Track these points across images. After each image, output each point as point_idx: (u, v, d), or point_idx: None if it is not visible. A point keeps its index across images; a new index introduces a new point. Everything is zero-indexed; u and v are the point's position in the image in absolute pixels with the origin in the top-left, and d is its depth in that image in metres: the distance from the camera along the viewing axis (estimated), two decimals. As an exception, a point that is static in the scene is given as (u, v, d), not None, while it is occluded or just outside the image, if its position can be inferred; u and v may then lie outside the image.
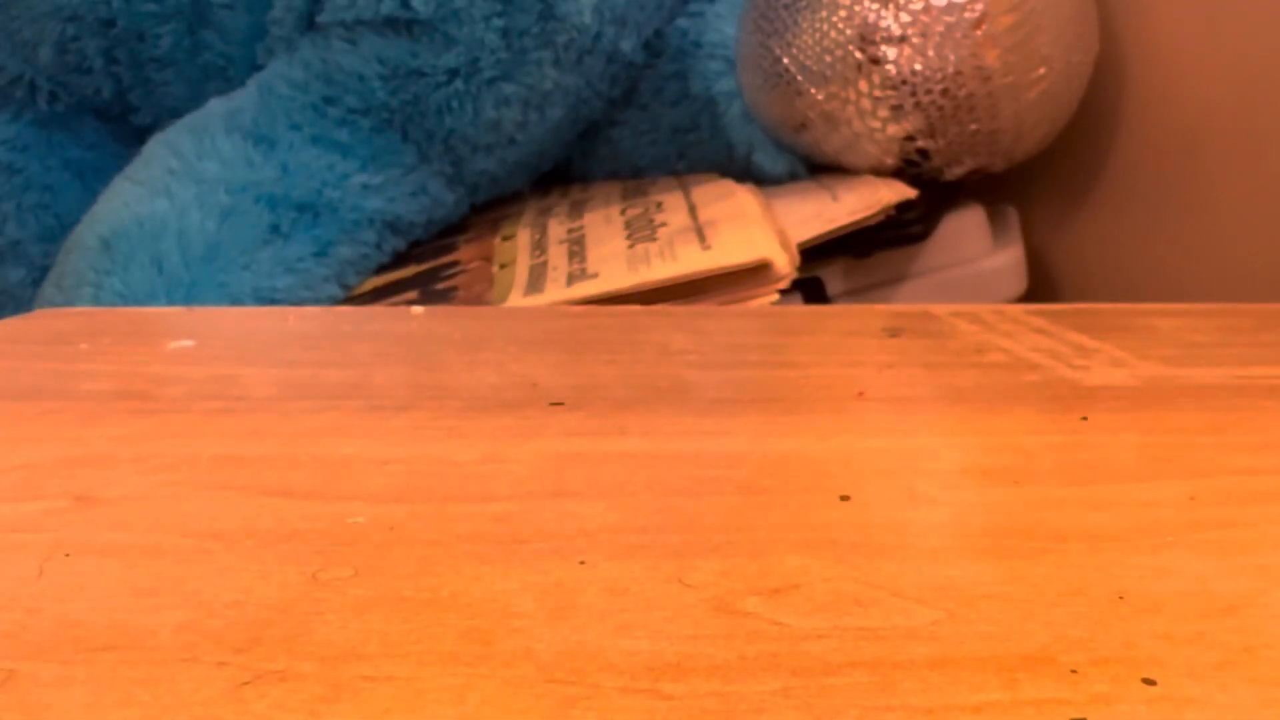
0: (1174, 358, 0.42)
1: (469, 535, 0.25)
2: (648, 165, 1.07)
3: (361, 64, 0.97)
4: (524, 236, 0.96)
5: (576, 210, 0.99)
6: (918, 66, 0.85)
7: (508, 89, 0.97)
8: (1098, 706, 0.18)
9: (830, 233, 0.83)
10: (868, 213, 0.83)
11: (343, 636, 0.20)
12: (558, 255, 0.88)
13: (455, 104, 0.97)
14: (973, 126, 0.87)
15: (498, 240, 0.98)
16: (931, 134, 0.87)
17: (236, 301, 0.90)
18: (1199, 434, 0.32)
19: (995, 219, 0.96)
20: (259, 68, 1.04)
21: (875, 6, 0.85)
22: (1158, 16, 0.92)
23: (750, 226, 0.81)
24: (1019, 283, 0.93)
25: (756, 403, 0.37)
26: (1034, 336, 0.45)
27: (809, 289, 0.85)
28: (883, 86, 0.86)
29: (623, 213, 0.94)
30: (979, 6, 0.84)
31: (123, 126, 1.17)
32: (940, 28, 0.84)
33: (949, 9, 0.84)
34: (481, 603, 0.21)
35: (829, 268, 0.87)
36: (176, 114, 1.04)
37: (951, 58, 0.84)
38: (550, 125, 1.01)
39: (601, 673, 0.19)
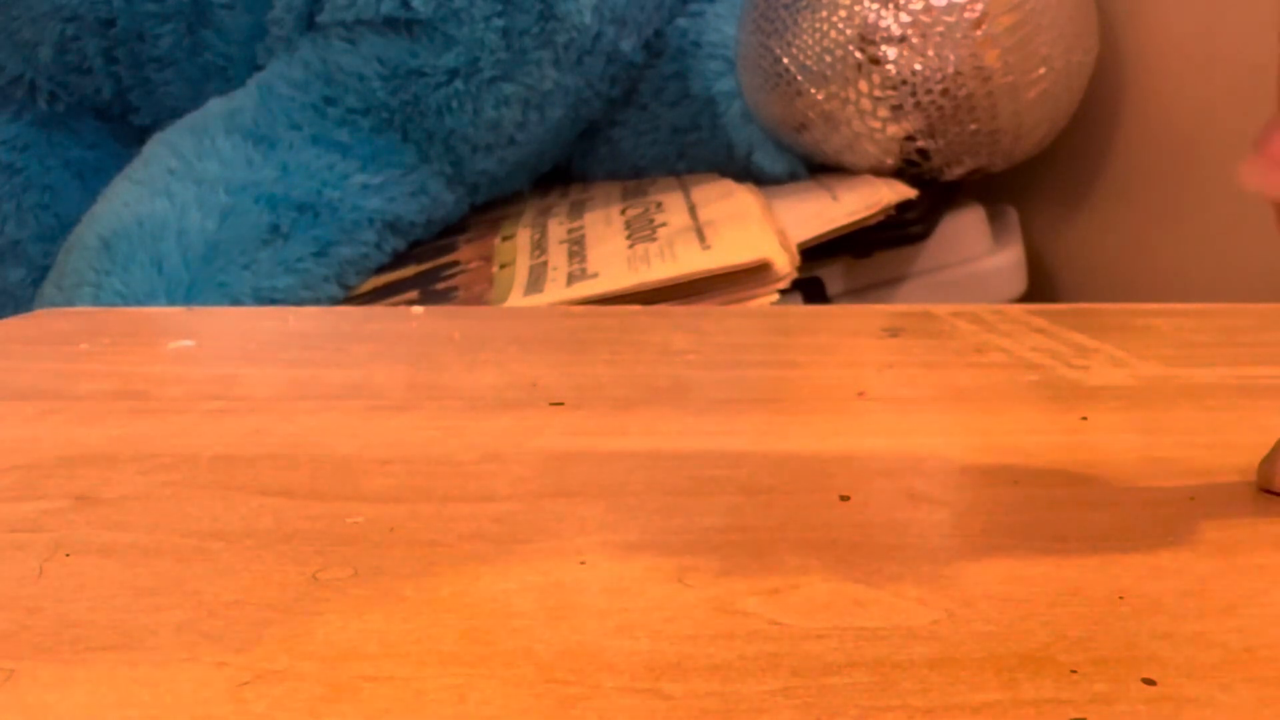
0: (1174, 358, 0.42)
1: (469, 535, 0.25)
2: (648, 165, 1.07)
3: (361, 64, 0.97)
4: (524, 236, 0.96)
5: (576, 210, 0.99)
6: (918, 66, 0.85)
7: (508, 89, 0.97)
8: (1098, 706, 0.18)
9: (830, 233, 0.83)
10: (868, 213, 0.83)
11: (343, 636, 0.20)
12: (558, 255, 0.88)
13: (455, 104, 0.97)
14: (973, 126, 0.87)
15: (498, 240, 0.98)
16: (931, 134, 0.87)
17: (236, 301, 0.90)
18: (1199, 434, 0.32)
19: (995, 219, 0.96)
20: (259, 68, 1.05)
21: (875, 6, 0.85)
22: (1158, 17, 0.92)
23: (750, 226, 0.81)
24: (1019, 283, 0.93)
25: (756, 403, 0.37)
26: (1034, 336, 0.45)
27: (809, 289, 0.85)
28: (883, 86, 0.86)
29: (623, 213, 0.94)
30: (979, 6, 0.84)
31: (123, 126, 1.17)
32: (940, 28, 0.84)
33: (949, 9, 0.84)
34: (481, 603, 0.21)
35: (829, 268, 0.87)
36: (176, 114, 1.04)
37: (951, 58, 0.84)
38: (550, 125, 1.01)
39: (601, 673, 0.19)
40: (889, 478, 0.29)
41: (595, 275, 0.80)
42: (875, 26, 0.85)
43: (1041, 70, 0.87)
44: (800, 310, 0.72)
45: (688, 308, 0.71)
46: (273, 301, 0.92)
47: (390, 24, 0.96)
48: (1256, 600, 0.22)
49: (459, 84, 0.96)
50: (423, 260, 0.99)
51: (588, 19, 0.96)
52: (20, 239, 1.14)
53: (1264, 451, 0.28)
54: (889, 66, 0.85)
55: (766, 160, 0.97)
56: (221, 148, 0.95)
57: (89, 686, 0.18)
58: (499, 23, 0.95)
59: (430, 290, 0.91)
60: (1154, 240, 0.94)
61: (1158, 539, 0.25)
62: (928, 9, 0.84)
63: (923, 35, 0.84)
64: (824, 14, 0.87)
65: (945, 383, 0.39)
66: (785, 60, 0.89)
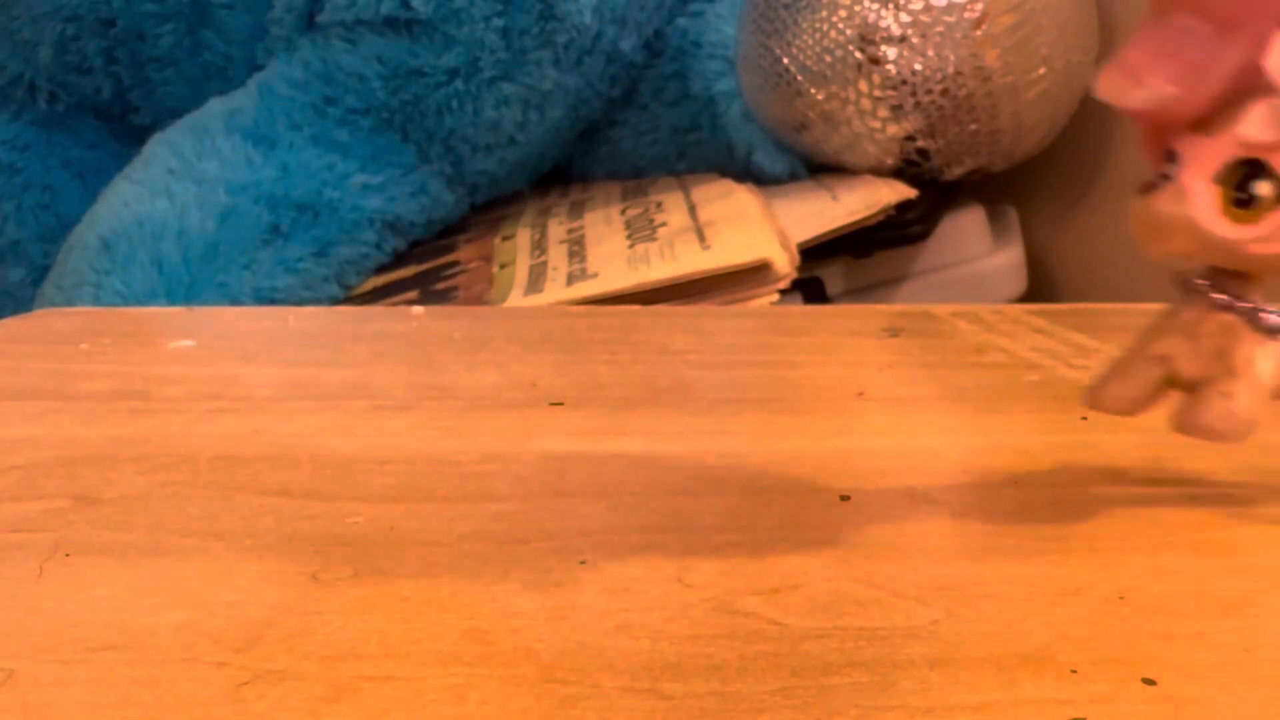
0: (1174, 358, 0.42)
1: (469, 535, 0.25)
2: (648, 165, 1.07)
3: (361, 64, 0.97)
4: (524, 236, 0.96)
5: (576, 210, 0.99)
6: (918, 66, 0.85)
7: (508, 89, 0.97)
8: (1098, 706, 0.18)
9: (830, 233, 0.83)
10: (868, 213, 0.83)
11: (343, 636, 0.20)
12: (558, 255, 0.88)
13: (455, 104, 0.97)
14: (973, 126, 0.87)
15: (498, 240, 0.98)
16: (931, 134, 0.87)
17: (236, 301, 0.90)
18: (1199, 434, 0.32)
19: (995, 219, 0.96)
20: (259, 68, 1.04)
21: (875, 6, 0.85)
22: (1158, 16, 0.92)
23: (750, 226, 0.81)
24: (1019, 283, 0.93)
25: (756, 403, 0.37)
26: (1034, 336, 0.45)
27: (809, 289, 0.85)
28: (883, 86, 0.86)
29: (623, 213, 0.94)
30: (979, 6, 0.84)
31: (123, 126, 1.17)
32: (940, 28, 0.84)
33: (949, 9, 0.84)
34: (481, 603, 0.21)
35: (829, 268, 0.87)
36: (176, 114, 1.04)
37: (951, 58, 0.84)
38: (550, 125, 1.01)
39: (601, 673, 0.19)
40: (889, 478, 0.29)
41: (595, 275, 0.80)
42: (875, 26, 0.85)
43: (1041, 70, 0.87)
44: (800, 310, 0.72)
45: (688, 308, 0.71)
46: (273, 301, 0.92)
47: (390, 24, 0.96)
48: (1256, 600, 0.22)
49: (459, 84, 0.96)
50: (423, 260, 0.99)
51: (588, 19, 0.96)
52: (20, 239, 1.14)
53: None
54: (889, 66, 0.85)
55: (766, 160, 0.97)
56: (221, 148, 0.95)
57: (89, 686, 0.18)
58: (499, 23, 0.95)
59: (430, 290, 0.91)
60: (1154, 240, 0.94)
61: (1158, 539, 0.25)
62: (928, 9, 0.84)
63: (923, 35, 0.84)
64: (824, 14, 0.87)
65: (945, 383, 0.39)
66: (785, 60, 0.89)
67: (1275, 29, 0.23)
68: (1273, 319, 0.25)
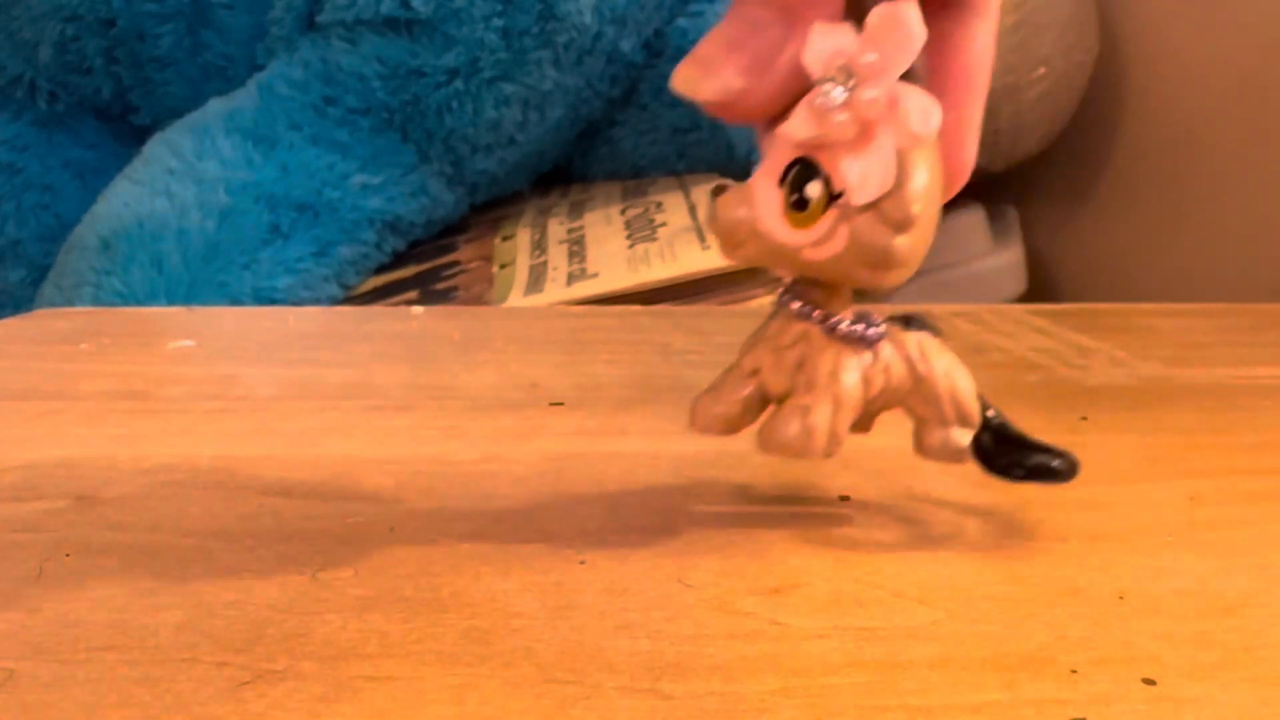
0: (1174, 358, 0.42)
1: (469, 535, 0.25)
2: (648, 165, 1.07)
3: (361, 64, 0.97)
4: (524, 236, 0.96)
5: (576, 210, 0.99)
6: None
7: (508, 89, 0.97)
8: (1098, 706, 0.18)
9: (830, 233, 0.82)
10: (868, 213, 0.83)
11: (343, 636, 0.20)
12: (558, 255, 0.88)
13: (455, 104, 0.97)
14: (973, 126, 0.87)
15: (498, 240, 0.98)
16: (931, 134, 0.87)
17: (236, 301, 0.90)
18: (1199, 434, 0.32)
19: (995, 219, 0.96)
20: (259, 68, 1.04)
21: (875, 6, 0.85)
22: (1158, 16, 0.92)
23: (750, 226, 0.81)
24: (1019, 283, 0.93)
25: (756, 403, 0.37)
26: (1034, 336, 0.45)
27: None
28: (883, 86, 0.86)
29: (623, 213, 0.94)
30: (979, 6, 0.84)
31: (123, 126, 1.17)
32: (940, 28, 0.84)
33: (949, 9, 0.84)
34: (481, 603, 0.21)
35: (829, 268, 0.87)
36: (176, 114, 1.04)
37: (951, 58, 0.84)
38: (550, 125, 1.01)
39: (601, 673, 0.19)
40: (889, 478, 0.29)
41: (595, 275, 0.80)
42: (875, 26, 0.85)
43: (1041, 70, 0.87)
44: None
45: (688, 308, 0.71)
46: (273, 301, 0.92)
47: (390, 24, 0.96)
48: (1256, 600, 0.22)
49: (459, 84, 0.96)
50: (423, 260, 0.99)
51: (588, 19, 0.96)
52: (20, 239, 1.14)
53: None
54: (889, 66, 0.85)
55: (766, 160, 0.97)
56: (221, 148, 0.95)
57: (89, 686, 0.18)
58: (499, 23, 0.95)
59: (430, 290, 0.91)
60: (1154, 240, 0.94)
61: (1158, 539, 0.25)
62: (928, 9, 0.84)
63: (923, 35, 0.84)
64: (824, 14, 0.87)
65: (945, 383, 0.39)
66: (785, 60, 0.89)
67: (829, 21, 0.21)
68: (848, 328, 0.23)
